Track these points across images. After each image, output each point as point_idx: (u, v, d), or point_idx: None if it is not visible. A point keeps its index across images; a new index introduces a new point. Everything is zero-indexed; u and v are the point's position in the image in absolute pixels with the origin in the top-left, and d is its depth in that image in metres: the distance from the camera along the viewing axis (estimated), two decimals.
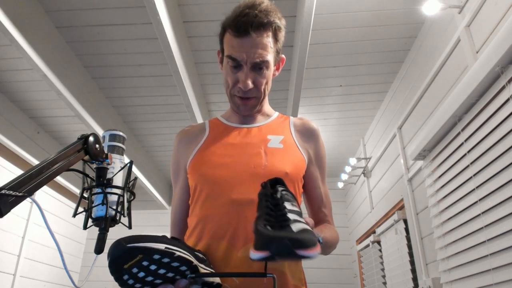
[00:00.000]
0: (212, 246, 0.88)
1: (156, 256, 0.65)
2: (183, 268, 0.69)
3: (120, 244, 0.63)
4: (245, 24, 0.91)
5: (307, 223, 0.66)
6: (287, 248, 0.56)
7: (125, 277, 0.65)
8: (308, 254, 0.56)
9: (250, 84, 0.96)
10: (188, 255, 0.69)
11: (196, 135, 1.07)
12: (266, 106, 1.11)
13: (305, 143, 1.05)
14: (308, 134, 1.07)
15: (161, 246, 0.65)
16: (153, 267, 0.65)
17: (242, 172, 0.93)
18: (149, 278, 0.67)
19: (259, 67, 0.96)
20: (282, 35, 1.00)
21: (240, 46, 0.93)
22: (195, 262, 0.71)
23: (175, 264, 0.67)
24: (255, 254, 0.59)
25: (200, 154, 1.00)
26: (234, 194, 0.90)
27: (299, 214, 0.69)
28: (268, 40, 0.95)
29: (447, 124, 1.80)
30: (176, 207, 1.06)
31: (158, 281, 0.68)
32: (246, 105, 1.01)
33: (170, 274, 0.68)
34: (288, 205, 0.68)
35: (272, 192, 0.72)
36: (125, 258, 0.63)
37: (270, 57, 0.96)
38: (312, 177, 1.04)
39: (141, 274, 0.66)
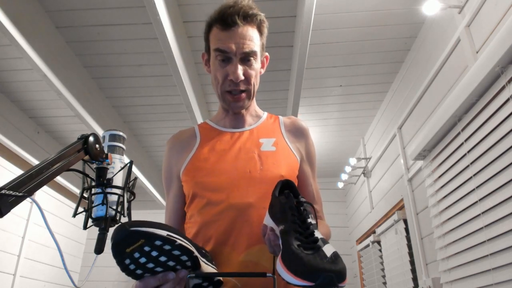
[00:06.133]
0: (215, 252, 0.88)
1: (158, 242, 0.65)
2: (184, 258, 0.69)
3: (123, 227, 0.64)
4: (232, 15, 0.94)
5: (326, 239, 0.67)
6: (331, 282, 0.58)
7: (127, 261, 0.66)
8: (343, 285, 0.59)
9: (241, 75, 0.96)
10: (189, 244, 0.70)
11: (188, 142, 1.06)
12: (255, 106, 1.12)
13: (296, 143, 1.06)
14: (298, 133, 1.08)
15: (163, 232, 0.66)
16: (154, 253, 0.66)
17: (238, 177, 0.94)
18: (150, 265, 0.67)
19: (248, 58, 0.97)
20: (266, 30, 1.02)
21: (228, 37, 0.95)
22: (196, 252, 0.71)
23: (176, 252, 0.68)
24: (296, 281, 0.59)
25: (193, 162, 1.00)
26: (233, 199, 0.91)
27: (316, 227, 0.70)
28: (254, 32, 0.98)
29: (447, 124, 1.80)
30: (170, 215, 1.05)
31: (159, 269, 0.69)
32: (238, 102, 1.01)
33: (171, 263, 0.69)
34: (311, 220, 0.70)
35: (297, 203, 0.72)
36: (127, 241, 0.64)
37: (257, 48, 0.98)
38: (304, 175, 1.05)
39: (143, 260, 0.66)
